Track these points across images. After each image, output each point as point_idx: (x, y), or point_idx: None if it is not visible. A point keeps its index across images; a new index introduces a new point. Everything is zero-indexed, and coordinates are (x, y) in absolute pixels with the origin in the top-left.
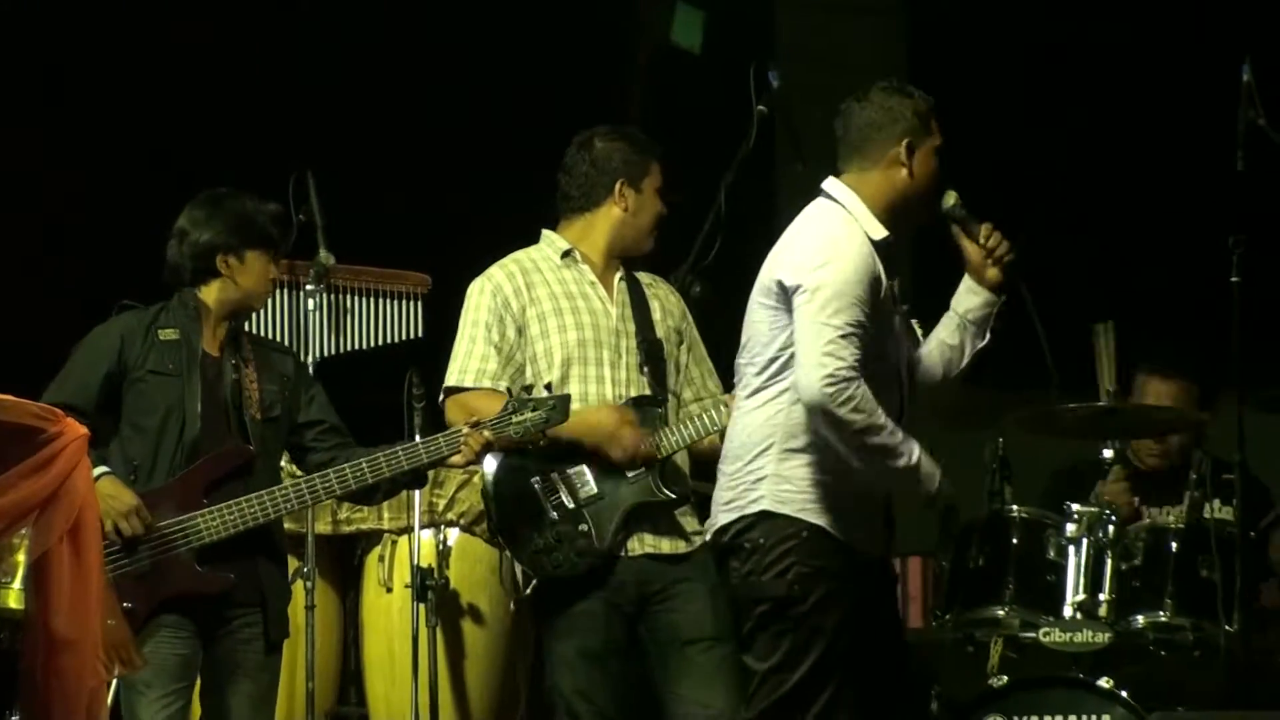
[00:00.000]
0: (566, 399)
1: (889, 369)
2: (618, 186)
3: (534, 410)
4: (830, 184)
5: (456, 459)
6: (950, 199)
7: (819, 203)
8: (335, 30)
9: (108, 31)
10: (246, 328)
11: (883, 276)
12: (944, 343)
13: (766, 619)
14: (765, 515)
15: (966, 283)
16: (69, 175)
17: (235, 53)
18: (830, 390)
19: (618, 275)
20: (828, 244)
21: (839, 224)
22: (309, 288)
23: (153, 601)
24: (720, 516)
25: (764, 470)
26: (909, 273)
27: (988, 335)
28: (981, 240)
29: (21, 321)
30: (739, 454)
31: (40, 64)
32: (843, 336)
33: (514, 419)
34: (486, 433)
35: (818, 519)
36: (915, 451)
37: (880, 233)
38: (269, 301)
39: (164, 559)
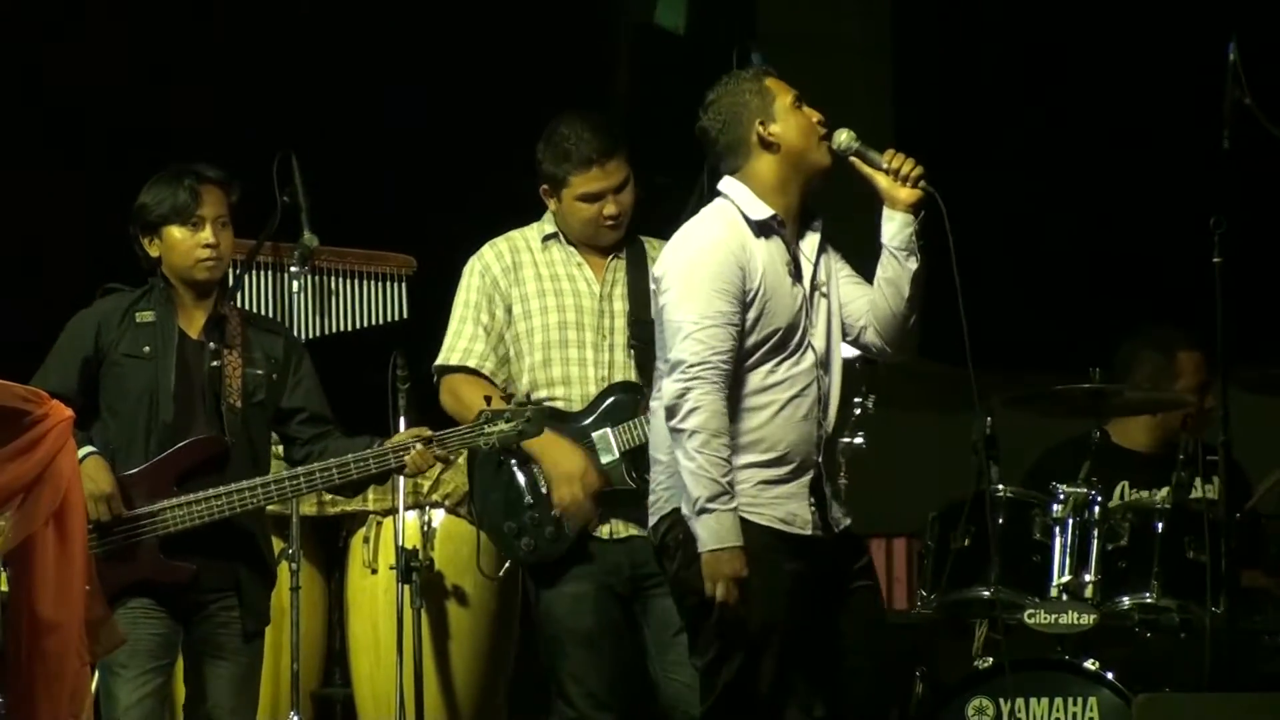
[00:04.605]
0: (542, 412)
1: (793, 340)
2: (543, 190)
3: (508, 422)
4: (722, 181)
5: (408, 471)
6: (841, 136)
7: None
8: (318, 11)
9: (89, 13)
10: (241, 306)
11: (763, 254)
12: (882, 279)
13: (698, 614)
14: (680, 512)
15: (885, 212)
16: (54, 159)
17: (219, 34)
18: (679, 386)
19: (615, 253)
20: (682, 240)
21: (707, 217)
22: (293, 269)
23: (113, 586)
24: (650, 519)
25: (673, 467)
26: None
27: (917, 257)
28: (886, 166)
29: (9, 309)
30: (654, 455)
31: (27, 51)
32: (700, 330)
33: (485, 429)
34: (438, 451)
35: None
36: (720, 504)
37: (762, 212)
38: (254, 283)
39: (128, 545)
